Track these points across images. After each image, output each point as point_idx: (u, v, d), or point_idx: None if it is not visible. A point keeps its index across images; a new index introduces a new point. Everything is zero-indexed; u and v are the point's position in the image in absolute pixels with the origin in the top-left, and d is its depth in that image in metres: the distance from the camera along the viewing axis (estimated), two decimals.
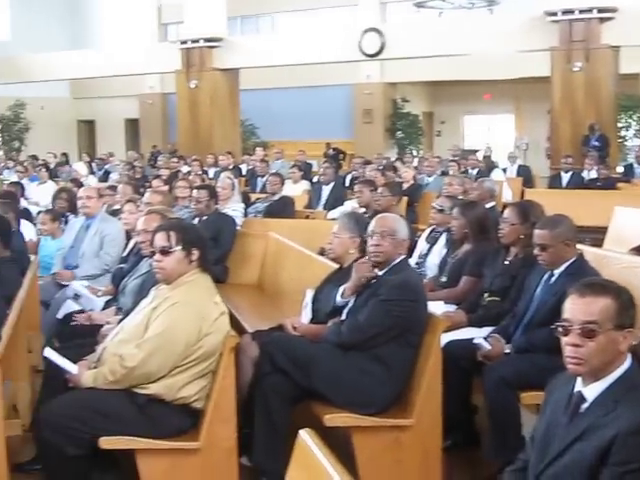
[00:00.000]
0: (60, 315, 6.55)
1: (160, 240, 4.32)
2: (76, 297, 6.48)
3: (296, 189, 12.58)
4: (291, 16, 28.43)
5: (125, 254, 7.02)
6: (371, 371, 4.48)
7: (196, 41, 21.17)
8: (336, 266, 5.62)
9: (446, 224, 6.80)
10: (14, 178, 14.54)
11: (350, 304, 4.82)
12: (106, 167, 18.95)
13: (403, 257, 4.80)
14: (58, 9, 30.61)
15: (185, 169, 15.81)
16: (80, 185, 10.82)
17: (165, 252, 4.29)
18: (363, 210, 8.56)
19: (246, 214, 9.74)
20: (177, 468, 4.30)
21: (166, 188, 9.67)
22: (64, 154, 22.00)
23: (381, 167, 13.88)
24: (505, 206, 6.43)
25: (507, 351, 4.85)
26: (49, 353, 4.44)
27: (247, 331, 5.60)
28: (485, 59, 21.02)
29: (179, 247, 4.29)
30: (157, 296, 4.37)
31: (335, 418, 4.39)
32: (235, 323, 4.49)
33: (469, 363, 4.97)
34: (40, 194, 13.00)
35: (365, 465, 4.39)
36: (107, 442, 4.12)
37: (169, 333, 4.14)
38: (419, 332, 4.52)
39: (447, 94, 27.07)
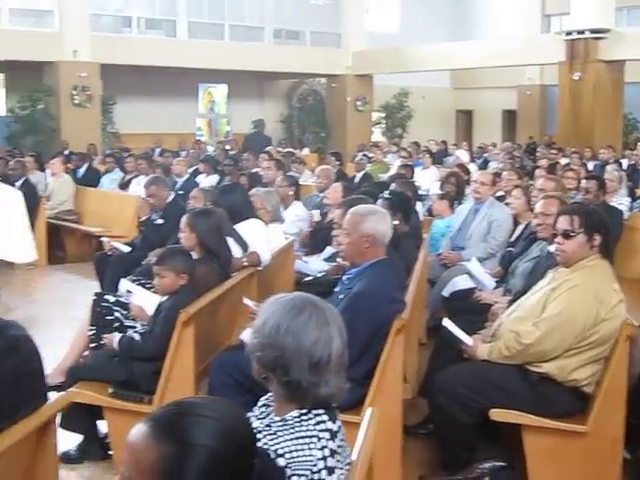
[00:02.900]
0: (446, 293, 6.83)
1: (563, 223, 4.38)
2: (469, 276, 6.71)
3: None
4: None
5: (513, 239, 7.16)
6: None
7: (581, 32, 20.74)
8: None
9: None
10: (397, 163, 15.19)
11: None
12: (485, 156, 19.25)
13: None
14: (444, 1, 31.41)
15: (564, 161, 15.62)
16: (466, 171, 11.14)
17: (567, 235, 4.34)
18: None
19: (631, 208, 9.50)
20: (561, 449, 4.33)
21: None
22: (443, 142, 22.59)
23: None
24: None
25: None
26: (447, 323, 4.68)
27: (634, 324, 5.50)
28: None
29: (581, 231, 4.32)
30: (555, 278, 4.44)
31: None
32: None
33: None
34: (423, 178, 13.53)
35: None
36: (497, 414, 4.27)
37: (567, 314, 4.20)
38: None
39: None
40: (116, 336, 4.77)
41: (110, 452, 4.84)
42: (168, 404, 1.83)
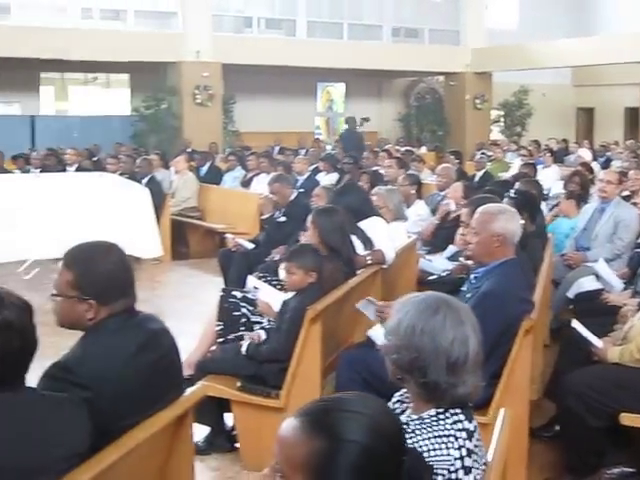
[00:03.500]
0: (571, 294, 6.71)
1: None
2: (596, 277, 6.59)
3: None
4: None
5: None
6: None
7: None
8: None
9: None
10: (517, 161, 15.01)
11: None
12: (607, 154, 18.84)
13: None
14: None
15: None
16: (590, 169, 10.91)
17: None
18: None
19: None
20: None
21: None
22: (564, 140, 22.16)
23: None
24: None
25: None
26: (576, 325, 4.61)
27: None
28: None
29: None
30: None
31: None
32: None
33: None
34: (544, 177, 13.28)
35: None
36: (628, 418, 4.18)
37: None
38: None
39: None
40: (243, 345, 4.86)
41: (236, 444, 4.94)
42: (318, 400, 1.84)
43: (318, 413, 1.78)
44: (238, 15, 24.55)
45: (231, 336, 5.30)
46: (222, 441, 5.00)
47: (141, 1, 22.60)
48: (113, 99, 25.55)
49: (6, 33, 19.60)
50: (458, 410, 2.40)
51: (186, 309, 8.15)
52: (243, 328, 5.31)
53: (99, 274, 2.92)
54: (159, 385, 2.97)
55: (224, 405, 4.86)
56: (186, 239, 12.27)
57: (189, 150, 17.15)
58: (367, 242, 6.04)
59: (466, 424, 2.38)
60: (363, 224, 6.26)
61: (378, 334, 4.26)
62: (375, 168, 11.89)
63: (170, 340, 3.12)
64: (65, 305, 2.93)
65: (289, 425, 1.77)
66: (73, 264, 2.94)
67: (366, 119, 21.73)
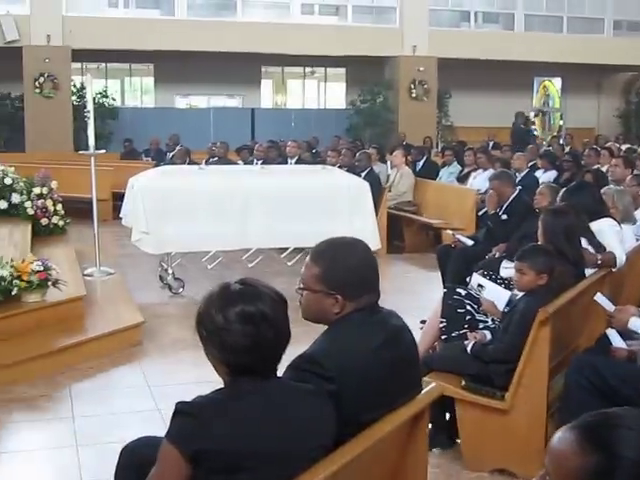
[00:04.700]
0: None
1: None
2: None
3: None
4: None
5: None
6: None
7: None
8: None
9: None
10: None
11: None
12: None
13: None
14: None
15: None
16: None
17: None
18: None
19: None
20: None
21: None
22: None
23: None
24: None
25: None
26: None
27: None
28: None
29: None
30: None
31: None
32: None
33: None
34: None
35: None
36: None
37: None
38: None
39: None
40: (469, 344, 4.86)
41: (457, 441, 4.94)
42: (593, 414, 1.79)
43: (595, 427, 1.74)
44: (455, 9, 24.46)
45: (454, 333, 5.30)
46: (443, 438, 5.01)
47: None
48: (329, 93, 26.08)
49: (232, 29, 20.51)
50: None
51: (405, 304, 8.12)
52: (467, 326, 5.29)
53: (345, 269, 2.98)
54: (399, 382, 2.99)
55: (444, 402, 4.87)
56: (402, 233, 12.33)
57: (405, 144, 17.27)
58: (598, 246, 5.87)
59: None
60: (594, 224, 6.10)
61: (615, 335, 4.16)
62: (596, 166, 11.52)
63: (411, 337, 3.15)
64: (311, 298, 3.00)
65: (564, 437, 1.75)
66: (320, 259, 3.01)
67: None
